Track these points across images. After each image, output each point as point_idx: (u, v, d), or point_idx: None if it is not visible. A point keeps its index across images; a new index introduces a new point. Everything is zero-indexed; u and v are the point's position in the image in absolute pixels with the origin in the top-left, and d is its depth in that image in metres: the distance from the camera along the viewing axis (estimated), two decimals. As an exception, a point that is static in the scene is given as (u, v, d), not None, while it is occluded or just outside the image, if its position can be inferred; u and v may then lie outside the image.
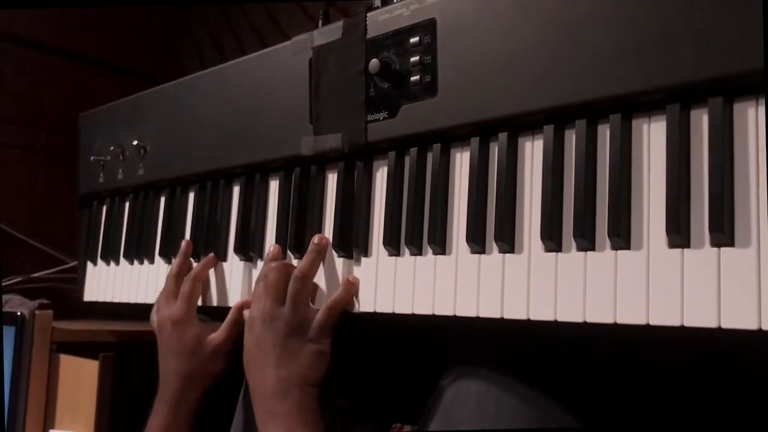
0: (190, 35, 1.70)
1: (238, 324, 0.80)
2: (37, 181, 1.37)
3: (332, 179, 0.73)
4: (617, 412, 0.69)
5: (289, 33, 0.78)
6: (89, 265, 1.04)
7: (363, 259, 0.69)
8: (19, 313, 0.99)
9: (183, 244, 0.86)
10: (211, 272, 0.83)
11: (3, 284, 1.12)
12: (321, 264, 0.71)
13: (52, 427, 0.99)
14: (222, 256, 0.83)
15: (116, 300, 0.98)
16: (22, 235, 1.30)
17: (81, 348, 0.99)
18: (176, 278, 0.84)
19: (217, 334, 0.81)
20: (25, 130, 1.37)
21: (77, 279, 1.07)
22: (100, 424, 0.93)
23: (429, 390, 0.71)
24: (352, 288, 0.69)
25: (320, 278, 0.72)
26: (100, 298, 1.01)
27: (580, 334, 0.56)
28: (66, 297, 1.16)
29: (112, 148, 0.96)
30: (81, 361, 0.97)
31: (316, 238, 0.72)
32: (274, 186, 0.79)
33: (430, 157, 0.64)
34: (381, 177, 0.69)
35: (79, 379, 0.97)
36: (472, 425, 0.63)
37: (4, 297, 1.08)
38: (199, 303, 0.83)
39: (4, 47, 1.33)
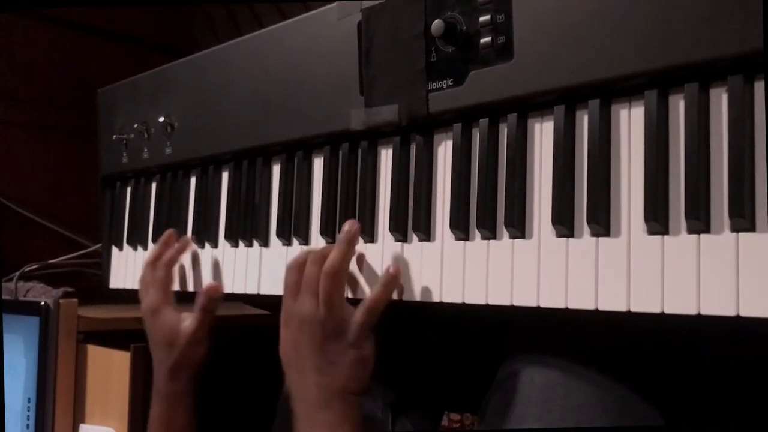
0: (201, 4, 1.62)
1: (207, 309, 0.77)
2: (48, 161, 1.31)
3: (386, 155, 0.67)
4: (696, 403, 0.63)
5: (308, 2, 0.71)
6: (114, 250, 0.98)
7: (425, 244, 0.62)
8: (42, 303, 0.94)
9: (165, 233, 0.84)
10: (256, 258, 0.77)
11: (23, 271, 1.07)
12: (376, 247, 0.65)
13: (83, 422, 0.94)
14: (262, 240, 0.76)
15: (145, 287, 0.92)
16: (38, 218, 1.24)
17: (109, 337, 0.94)
18: (151, 266, 0.82)
19: (188, 323, 0.77)
20: (33, 107, 1.31)
21: (101, 264, 1.01)
22: (134, 419, 0.89)
23: (481, 376, 0.66)
24: (391, 283, 0.62)
25: (377, 265, 0.65)
26: (128, 285, 0.95)
27: (661, 326, 0.50)
28: (88, 282, 1.11)
29: (135, 125, 0.90)
30: (110, 352, 0.93)
31: (346, 225, 0.65)
32: (318, 164, 0.72)
33: (503, 128, 0.58)
34: (444, 152, 0.62)
35: (110, 372, 0.92)
36: (538, 419, 0.57)
37: (26, 285, 1.03)
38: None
39: (10, 21, 1.26)
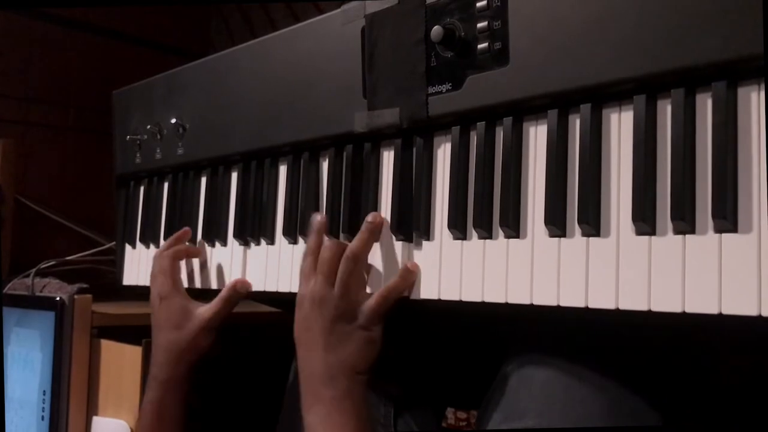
0: (218, 8, 1.65)
1: (230, 302, 0.79)
2: (66, 160, 1.35)
3: (388, 157, 0.69)
4: (694, 401, 0.65)
5: (320, 5, 0.73)
6: (128, 247, 1.00)
7: (424, 242, 0.64)
8: (58, 298, 0.96)
9: (182, 230, 0.86)
10: (262, 256, 0.79)
11: (39, 267, 1.10)
12: (377, 244, 0.67)
13: (96, 414, 0.97)
14: (269, 239, 0.79)
15: (157, 284, 0.94)
16: (55, 216, 1.27)
17: (122, 332, 0.97)
18: (159, 257, 0.84)
19: (206, 309, 0.79)
20: (53, 109, 1.34)
21: (115, 262, 1.04)
22: (145, 412, 0.91)
23: (484, 375, 0.68)
24: (410, 276, 0.64)
25: (377, 261, 0.68)
26: (140, 282, 0.98)
27: (656, 323, 0.52)
28: (103, 279, 1.14)
29: (149, 126, 0.92)
30: (123, 346, 0.95)
31: (370, 217, 0.67)
32: (323, 165, 0.75)
33: (499, 131, 0.60)
34: (443, 154, 0.64)
35: (122, 365, 0.94)
36: (539, 414, 0.59)
37: (42, 281, 1.06)
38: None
39: (30, 24, 1.29)
